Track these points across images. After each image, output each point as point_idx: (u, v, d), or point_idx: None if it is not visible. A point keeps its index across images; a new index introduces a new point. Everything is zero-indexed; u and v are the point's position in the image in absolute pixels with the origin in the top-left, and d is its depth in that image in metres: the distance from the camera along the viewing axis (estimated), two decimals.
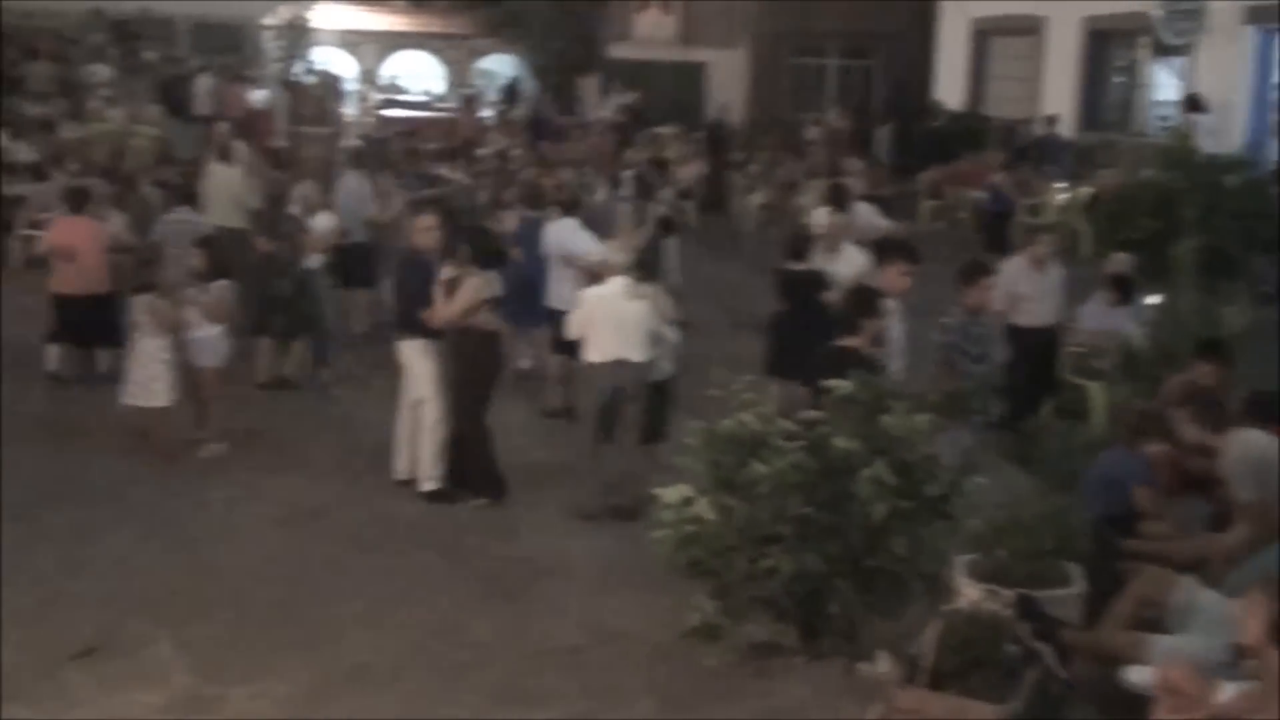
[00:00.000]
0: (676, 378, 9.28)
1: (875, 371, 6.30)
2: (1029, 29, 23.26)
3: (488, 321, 8.50)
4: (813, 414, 4.86)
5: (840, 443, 4.63)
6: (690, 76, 27.18)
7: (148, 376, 9.21)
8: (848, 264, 9.94)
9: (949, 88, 25.27)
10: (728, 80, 27.26)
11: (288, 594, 7.39)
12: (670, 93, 25.29)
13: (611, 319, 8.54)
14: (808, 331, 9.64)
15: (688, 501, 4.68)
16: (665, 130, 23.07)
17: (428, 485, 8.76)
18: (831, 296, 9.54)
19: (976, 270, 8.46)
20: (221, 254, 9.77)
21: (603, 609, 7.32)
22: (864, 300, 7.49)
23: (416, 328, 8.61)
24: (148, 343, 9.23)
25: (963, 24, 25.16)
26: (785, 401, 9.54)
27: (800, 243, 10.42)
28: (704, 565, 4.74)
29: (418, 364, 8.71)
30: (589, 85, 27.44)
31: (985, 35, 25.05)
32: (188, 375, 9.46)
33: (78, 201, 11.27)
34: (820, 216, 12.18)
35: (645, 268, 9.08)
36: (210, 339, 9.45)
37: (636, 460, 8.82)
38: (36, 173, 15.66)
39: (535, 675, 6.59)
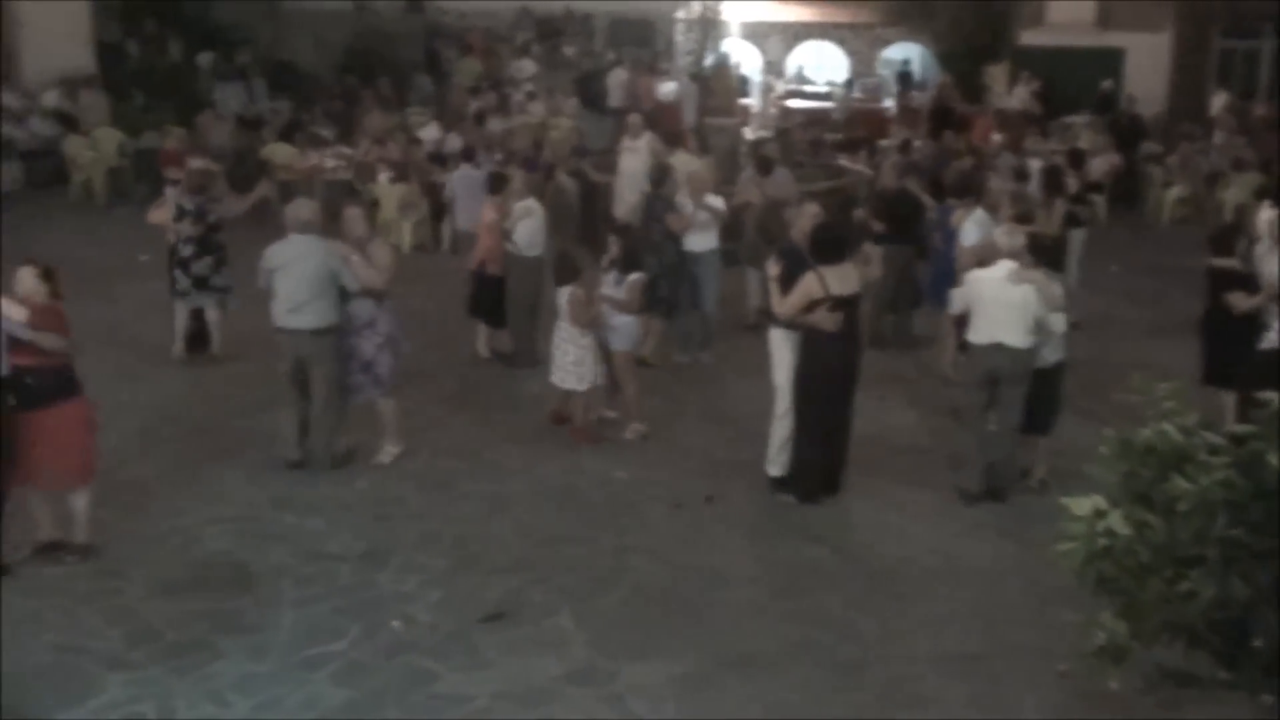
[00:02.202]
0: (1063, 369, 8.88)
1: None
2: None
3: (821, 320, 8.26)
4: (1244, 427, 4.45)
5: (1276, 461, 4.21)
6: (1106, 63, 25.76)
7: (571, 361, 9.59)
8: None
9: None
10: (1147, 66, 25.66)
11: (680, 576, 7.56)
12: (1084, 80, 24.09)
13: (994, 302, 8.45)
14: (1232, 334, 9.01)
15: (1100, 514, 4.39)
16: (1078, 119, 22.05)
17: (772, 470, 8.82)
18: (1238, 301, 9.04)
19: None
20: (635, 245, 10.05)
21: (996, 617, 7.09)
22: None
23: (775, 318, 8.62)
24: (569, 330, 9.60)
25: None
26: (1210, 411, 8.93)
27: (1227, 236, 9.69)
28: (1114, 583, 4.43)
29: (776, 353, 8.74)
30: (996, 73, 26.56)
31: None
32: (605, 359, 9.75)
33: (496, 185, 11.91)
34: (1266, 214, 11.27)
35: (1044, 256, 8.75)
36: (624, 324, 9.73)
37: (1010, 446, 8.69)
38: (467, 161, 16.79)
39: (923, 679, 6.46)
